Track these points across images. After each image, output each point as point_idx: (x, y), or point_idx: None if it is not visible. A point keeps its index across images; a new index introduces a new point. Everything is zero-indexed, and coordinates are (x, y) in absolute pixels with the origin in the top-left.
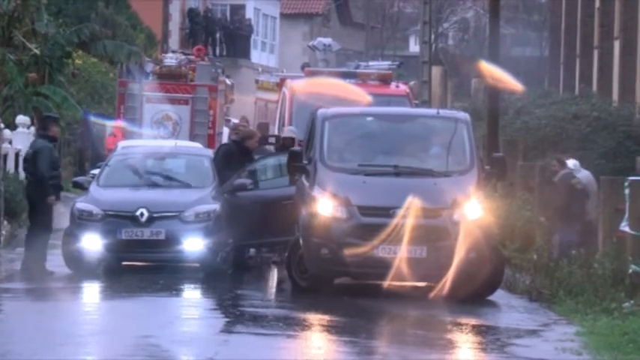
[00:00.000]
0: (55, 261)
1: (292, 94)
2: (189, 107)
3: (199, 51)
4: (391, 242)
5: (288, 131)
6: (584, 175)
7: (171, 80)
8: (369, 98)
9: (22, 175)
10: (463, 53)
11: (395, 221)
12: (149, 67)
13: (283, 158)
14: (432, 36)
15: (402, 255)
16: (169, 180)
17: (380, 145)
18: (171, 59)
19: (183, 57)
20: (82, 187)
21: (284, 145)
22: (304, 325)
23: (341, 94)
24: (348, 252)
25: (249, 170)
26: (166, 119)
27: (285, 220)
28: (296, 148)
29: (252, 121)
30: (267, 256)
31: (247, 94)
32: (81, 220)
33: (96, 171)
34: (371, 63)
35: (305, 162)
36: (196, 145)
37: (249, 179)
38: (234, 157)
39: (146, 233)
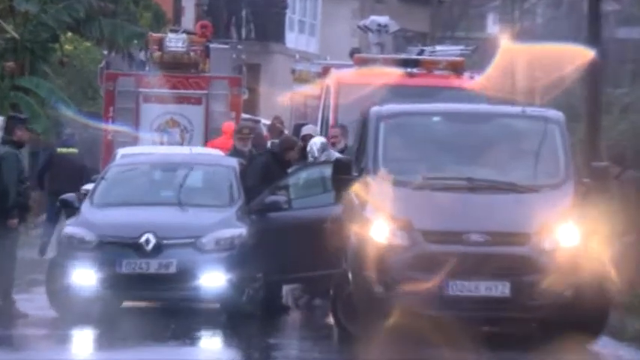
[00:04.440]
0: (37, 301)
1: (338, 88)
2: (203, 108)
3: (204, 28)
4: (464, 277)
5: (306, 130)
6: None
7: (177, 71)
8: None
9: None
10: (555, 35)
11: (469, 250)
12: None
13: (327, 169)
14: (516, 13)
15: (478, 293)
16: (182, 197)
17: (450, 153)
18: (176, 42)
19: (185, 37)
20: (71, 207)
21: (304, 148)
22: None
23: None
24: (408, 289)
25: (284, 185)
26: (171, 125)
27: (329, 248)
28: (342, 156)
29: (288, 122)
30: (304, 295)
31: (281, 87)
32: (70, 249)
33: (89, 186)
34: (438, 48)
35: (355, 174)
36: (217, 153)
37: (283, 196)
38: (271, 173)
39: (153, 265)
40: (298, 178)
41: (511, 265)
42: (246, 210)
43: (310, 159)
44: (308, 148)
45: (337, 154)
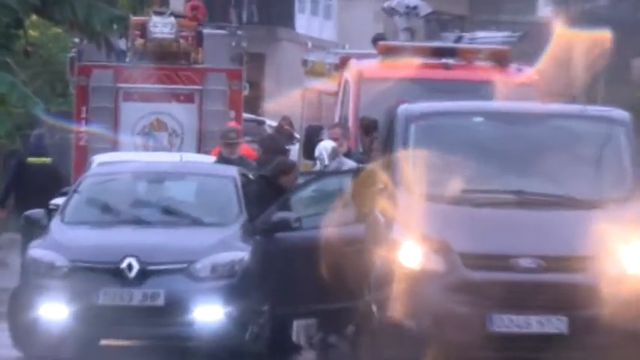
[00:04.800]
0: None
1: (359, 83)
2: (196, 106)
3: (195, 10)
4: (512, 310)
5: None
6: None
7: (165, 62)
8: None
9: None
10: (619, 19)
11: (518, 277)
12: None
13: (345, 180)
14: None
15: (529, 329)
16: (172, 214)
17: (494, 160)
18: (163, 27)
19: (173, 20)
20: (37, 225)
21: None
22: None
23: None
24: (446, 325)
25: (294, 199)
26: (157, 127)
27: (350, 275)
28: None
29: (298, 124)
30: (319, 332)
31: (290, 82)
32: (37, 276)
33: (59, 200)
34: (479, 34)
35: (380, 186)
36: (213, 161)
37: (293, 213)
38: (265, 202)
39: (137, 296)
40: (311, 190)
41: (569, 295)
42: (249, 229)
43: (318, 166)
44: (317, 153)
45: (350, 162)
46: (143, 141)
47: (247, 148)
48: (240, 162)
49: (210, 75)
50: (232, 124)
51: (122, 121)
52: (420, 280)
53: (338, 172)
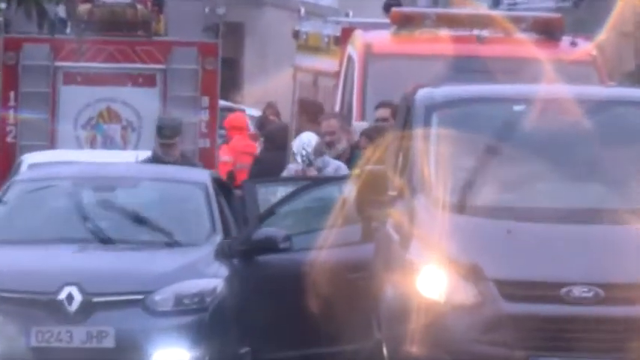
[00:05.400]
0: None
1: (367, 61)
2: (157, 91)
3: None
4: (562, 352)
5: (358, 128)
6: None
7: (117, 34)
8: None
9: None
10: None
11: (570, 311)
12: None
13: (346, 187)
14: None
15: None
16: (124, 231)
17: (540, 161)
18: None
19: None
20: None
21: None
22: None
23: None
24: None
25: (281, 212)
26: (108, 118)
27: (353, 309)
28: (374, 166)
29: (287, 112)
30: None
31: (277, 59)
32: None
33: None
34: None
35: (392, 193)
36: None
37: (281, 230)
38: None
39: (79, 336)
40: (301, 200)
41: (633, 333)
42: (225, 251)
43: (300, 165)
44: (296, 148)
45: (337, 163)
46: (89, 136)
47: (248, 143)
48: (182, 164)
49: (176, 50)
50: (240, 113)
51: (62, 110)
52: (444, 314)
53: (337, 178)
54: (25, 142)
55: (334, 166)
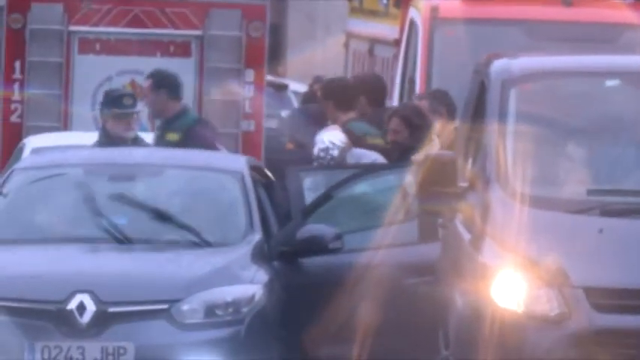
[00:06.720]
0: None
1: (432, 26)
2: (193, 62)
3: None
4: None
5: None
6: None
7: None
8: None
9: None
10: None
11: None
12: None
13: (404, 177)
14: None
15: None
16: (146, 229)
17: (636, 148)
18: None
19: None
20: None
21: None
22: None
23: None
24: None
25: (328, 206)
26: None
27: (414, 321)
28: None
29: None
30: None
31: (327, 25)
32: None
33: None
34: None
35: (462, 184)
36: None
37: (330, 227)
38: None
39: (91, 353)
40: (354, 191)
41: None
42: (264, 252)
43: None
44: (322, 145)
45: (370, 153)
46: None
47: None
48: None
49: (216, 13)
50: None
51: (77, 84)
52: (524, 327)
53: (394, 166)
54: (33, 123)
55: (370, 158)
